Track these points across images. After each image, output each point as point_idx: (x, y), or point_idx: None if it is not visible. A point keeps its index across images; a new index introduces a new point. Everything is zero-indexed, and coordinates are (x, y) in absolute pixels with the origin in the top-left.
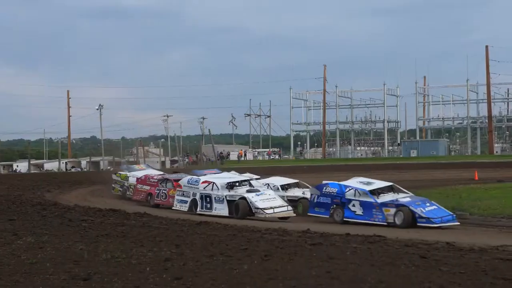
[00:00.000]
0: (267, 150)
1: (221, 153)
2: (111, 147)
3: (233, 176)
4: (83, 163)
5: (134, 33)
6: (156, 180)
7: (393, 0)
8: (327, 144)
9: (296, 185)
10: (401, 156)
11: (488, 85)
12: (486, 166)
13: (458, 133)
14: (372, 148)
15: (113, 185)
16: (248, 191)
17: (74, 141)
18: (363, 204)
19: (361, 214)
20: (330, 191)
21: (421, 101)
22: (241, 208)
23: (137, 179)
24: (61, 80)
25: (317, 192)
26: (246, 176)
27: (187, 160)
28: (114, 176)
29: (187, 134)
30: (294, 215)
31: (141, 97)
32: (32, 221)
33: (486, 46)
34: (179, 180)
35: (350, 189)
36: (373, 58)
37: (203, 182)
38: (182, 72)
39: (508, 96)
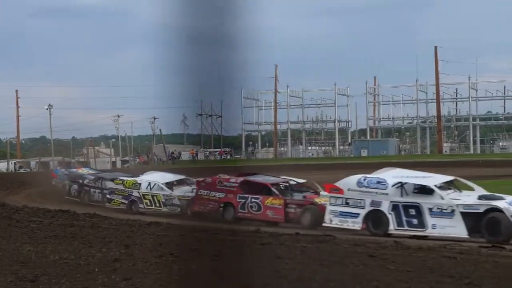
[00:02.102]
0: (219, 150)
1: (172, 153)
2: (61, 147)
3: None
4: (32, 163)
5: (86, 32)
6: (237, 185)
7: (344, 0)
8: (278, 143)
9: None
10: (352, 155)
11: (437, 85)
12: (436, 165)
13: (408, 133)
14: (323, 148)
15: (109, 196)
16: (490, 198)
17: (23, 141)
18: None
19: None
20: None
21: (371, 101)
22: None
23: (198, 182)
24: (9, 79)
25: None
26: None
27: (138, 160)
28: (111, 184)
29: (138, 134)
30: None
31: (92, 96)
32: None
33: (435, 47)
34: (279, 183)
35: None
36: (324, 58)
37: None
38: (133, 71)
39: (457, 96)
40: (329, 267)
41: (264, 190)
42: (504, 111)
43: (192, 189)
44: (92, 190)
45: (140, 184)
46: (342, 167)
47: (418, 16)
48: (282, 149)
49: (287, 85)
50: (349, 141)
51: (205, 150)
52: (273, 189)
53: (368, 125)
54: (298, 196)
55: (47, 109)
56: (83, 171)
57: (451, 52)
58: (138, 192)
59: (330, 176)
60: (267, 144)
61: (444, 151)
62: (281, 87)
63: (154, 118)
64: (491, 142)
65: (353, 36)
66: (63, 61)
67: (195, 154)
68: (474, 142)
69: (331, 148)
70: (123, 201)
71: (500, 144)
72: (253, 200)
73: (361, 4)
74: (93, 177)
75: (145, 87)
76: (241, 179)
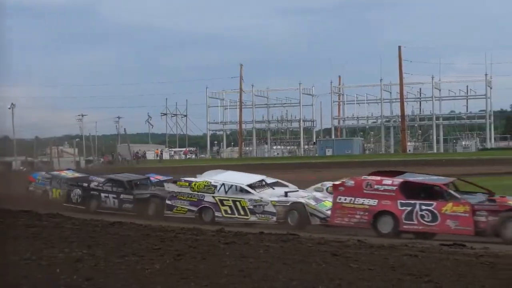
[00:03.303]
0: (184, 149)
1: (137, 152)
2: (24, 147)
3: None
4: None
5: (49, 30)
6: (395, 187)
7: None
8: (243, 143)
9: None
10: (316, 155)
11: (401, 84)
12: (399, 164)
13: (372, 132)
14: (288, 147)
15: (169, 201)
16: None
17: None
18: None
19: None
20: None
21: (336, 101)
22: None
23: (335, 187)
24: None
25: None
26: None
27: (102, 159)
28: (172, 187)
29: (102, 133)
30: None
31: (55, 96)
32: None
33: (399, 47)
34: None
35: None
36: (289, 58)
37: None
38: (97, 70)
39: (420, 95)
40: (293, 266)
41: (435, 193)
42: (467, 111)
43: (286, 192)
44: (103, 195)
45: (215, 186)
46: (307, 166)
47: (382, 16)
48: (247, 148)
49: (252, 84)
50: (314, 141)
51: (170, 149)
52: (453, 192)
53: (332, 124)
54: (479, 200)
55: (9, 108)
56: (67, 173)
57: (414, 52)
58: (213, 197)
59: (298, 175)
60: (232, 143)
61: (408, 150)
62: (246, 87)
63: (119, 118)
64: (454, 141)
65: (317, 35)
66: (24, 60)
67: (160, 154)
68: (438, 141)
69: (296, 147)
70: (191, 208)
71: (463, 143)
72: (423, 207)
73: (325, 4)
74: (103, 180)
75: (109, 87)
76: (399, 180)
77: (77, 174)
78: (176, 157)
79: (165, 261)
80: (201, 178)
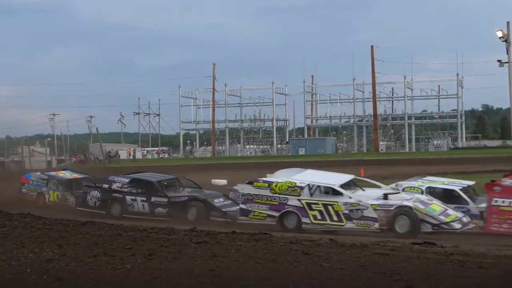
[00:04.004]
0: (157, 149)
1: (109, 152)
2: None
3: None
4: None
5: (20, 29)
6: None
7: None
8: (216, 142)
9: None
10: (289, 154)
11: (374, 84)
12: (372, 163)
13: (345, 131)
14: (261, 147)
15: (244, 205)
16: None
17: None
18: None
19: None
20: None
21: (309, 100)
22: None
23: (488, 187)
24: None
25: None
26: None
27: (74, 159)
28: (247, 188)
29: (74, 133)
30: None
31: (27, 95)
32: None
33: (372, 46)
34: None
35: None
36: (262, 57)
37: None
38: (70, 69)
39: (393, 95)
40: (264, 265)
41: None
42: (439, 110)
43: (385, 194)
44: (129, 198)
45: (301, 187)
46: (280, 166)
47: (355, 16)
48: (220, 148)
49: (225, 83)
50: (287, 140)
51: (143, 149)
52: None
53: (305, 124)
54: None
55: None
56: (65, 174)
57: (387, 52)
58: (298, 200)
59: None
60: (205, 142)
61: (380, 150)
62: (219, 86)
63: (91, 117)
64: (426, 140)
65: (291, 35)
66: None
67: (133, 153)
68: (410, 141)
69: (269, 147)
70: (272, 213)
71: (435, 142)
72: None
73: (298, 4)
74: (127, 180)
75: (81, 86)
76: None
77: (76, 175)
78: (149, 156)
79: (137, 261)
80: (280, 179)
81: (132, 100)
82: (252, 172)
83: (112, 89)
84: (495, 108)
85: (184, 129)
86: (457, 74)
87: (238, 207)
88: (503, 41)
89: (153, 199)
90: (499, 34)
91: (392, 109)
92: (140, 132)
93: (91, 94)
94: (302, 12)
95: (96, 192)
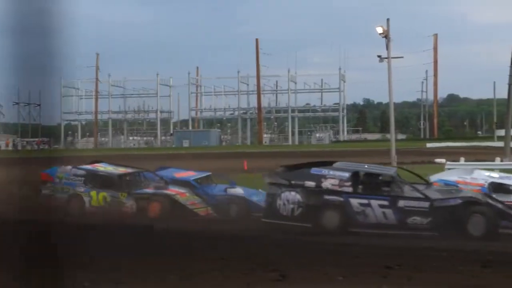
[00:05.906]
0: (37, 139)
1: None
2: None
3: None
4: None
5: None
6: None
7: None
8: (99, 133)
9: None
10: (173, 146)
11: (258, 77)
12: (255, 156)
13: (229, 124)
14: (145, 138)
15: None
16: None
17: None
18: None
19: None
20: None
21: (194, 92)
22: None
23: None
24: None
25: None
26: None
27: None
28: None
29: None
30: None
31: None
32: None
33: (256, 39)
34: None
35: None
36: (147, 48)
37: None
38: None
39: (277, 88)
40: None
41: None
42: (321, 103)
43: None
44: (356, 202)
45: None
46: (164, 158)
47: (241, 9)
48: (103, 139)
49: (108, 74)
50: (171, 132)
51: (22, 139)
52: None
53: (190, 115)
54: None
55: None
56: (106, 168)
57: (272, 45)
58: None
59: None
60: (88, 134)
61: (264, 142)
62: (102, 76)
63: None
64: (309, 133)
65: (176, 26)
66: None
67: (12, 144)
68: (293, 133)
69: (153, 138)
70: None
71: (317, 135)
72: None
73: None
74: (347, 175)
75: None
76: None
77: (122, 169)
78: (29, 147)
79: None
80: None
81: (10, 89)
82: (139, 164)
83: None
84: (375, 102)
85: (65, 120)
86: (340, 69)
87: None
88: (383, 37)
89: (401, 203)
90: (380, 30)
91: (276, 102)
92: (20, 123)
93: None
94: (187, 2)
95: (293, 194)
